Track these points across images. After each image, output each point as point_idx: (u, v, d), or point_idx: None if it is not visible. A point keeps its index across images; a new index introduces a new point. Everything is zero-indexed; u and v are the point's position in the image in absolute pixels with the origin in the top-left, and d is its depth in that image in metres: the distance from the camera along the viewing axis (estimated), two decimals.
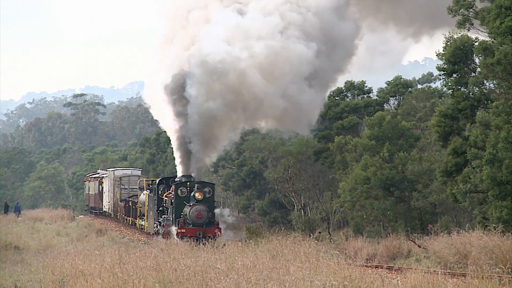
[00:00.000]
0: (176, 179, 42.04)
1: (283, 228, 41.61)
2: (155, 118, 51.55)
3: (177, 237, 38.16)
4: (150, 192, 46.79)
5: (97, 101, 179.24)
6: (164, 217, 42.02)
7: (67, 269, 24.28)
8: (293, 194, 52.68)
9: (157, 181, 44.68)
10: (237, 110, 40.70)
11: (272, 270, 20.99)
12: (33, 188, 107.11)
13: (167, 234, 40.41)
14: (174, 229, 39.65)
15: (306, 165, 52.67)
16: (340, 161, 45.57)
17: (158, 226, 43.29)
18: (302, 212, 50.57)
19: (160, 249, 28.28)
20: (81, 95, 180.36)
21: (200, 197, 38.87)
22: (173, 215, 40.30)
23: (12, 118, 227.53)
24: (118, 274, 20.74)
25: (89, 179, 75.58)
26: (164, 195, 43.08)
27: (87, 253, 28.15)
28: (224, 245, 31.23)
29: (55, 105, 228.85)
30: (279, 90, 40.60)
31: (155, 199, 44.31)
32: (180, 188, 40.13)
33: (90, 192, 74.94)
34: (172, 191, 41.36)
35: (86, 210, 78.59)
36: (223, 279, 19.80)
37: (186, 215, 38.84)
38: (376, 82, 54.47)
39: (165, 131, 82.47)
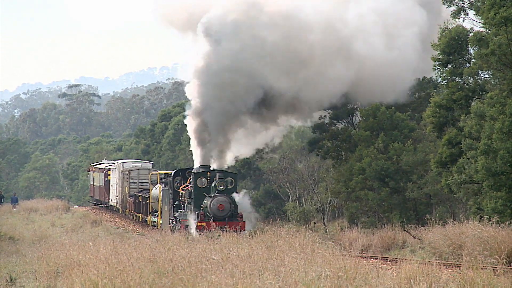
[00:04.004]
0: (193, 170, 38.83)
1: (278, 219, 41.32)
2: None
3: (197, 231, 35.33)
4: (164, 186, 43.28)
5: (92, 92, 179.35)
6: (181, 211, 39.04)
7: (62, 260, 24.23)
8: (288, 185, 52.56)
9: (172, 173, 41.38)
10: None
11: (267, 261, 21.00)
12: (28, 178, 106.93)
13: (184, 229, 37.29)
14: (193, 222, 36.68)
15: (301, 155, 52.59)
16: (334, 151, 45.52)
17: (174, 222, 40.12)
18: (297, 203, 50.50)
19: (155, 240, 28.29)
20: (76, 85, 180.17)
21: (222, 187, 36.14)
22: (192, 207, 37.10)
23: (7, 108, 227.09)
24: (114, 265, 20.72)
25: (94, 169, 70.43)
26: (180, 188, 39.90)
27: (82, 244, 28.13)
28: (219, 236, 30.65)
29: (50, 95, 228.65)
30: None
31: (170, 193, 40.91)
32: (200, 178, 37.12)
33: (95, 184, 70.10)
34: (189, 183, 38.47)
35: (90, 202, 74.41)
36: (218, 269, 19.81)
37: (206, 207, 35.95)
38: None
39: (159, 122, 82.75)
